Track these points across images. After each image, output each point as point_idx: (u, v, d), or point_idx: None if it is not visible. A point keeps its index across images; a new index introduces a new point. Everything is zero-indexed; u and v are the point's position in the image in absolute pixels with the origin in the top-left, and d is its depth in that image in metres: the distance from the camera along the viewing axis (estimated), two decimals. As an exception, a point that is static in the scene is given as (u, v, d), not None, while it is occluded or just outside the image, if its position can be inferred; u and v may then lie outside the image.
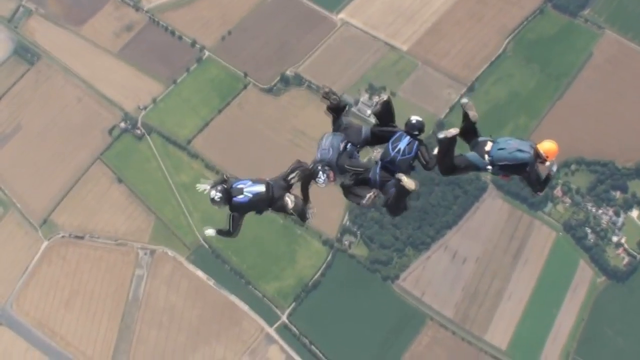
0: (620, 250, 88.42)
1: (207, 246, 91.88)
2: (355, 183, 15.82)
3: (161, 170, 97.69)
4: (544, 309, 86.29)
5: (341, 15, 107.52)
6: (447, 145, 15.21)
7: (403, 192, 15.25)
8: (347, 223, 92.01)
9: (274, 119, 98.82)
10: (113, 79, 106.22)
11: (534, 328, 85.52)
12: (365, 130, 16.26)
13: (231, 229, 15.48)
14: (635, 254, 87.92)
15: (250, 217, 15.63)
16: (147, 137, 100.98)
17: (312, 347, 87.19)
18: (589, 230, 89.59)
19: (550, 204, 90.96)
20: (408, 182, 15.04)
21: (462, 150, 15.71)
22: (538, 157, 15.14)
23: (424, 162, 15.49)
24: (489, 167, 15.55)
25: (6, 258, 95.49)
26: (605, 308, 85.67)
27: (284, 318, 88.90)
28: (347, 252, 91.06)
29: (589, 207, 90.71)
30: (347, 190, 15.98)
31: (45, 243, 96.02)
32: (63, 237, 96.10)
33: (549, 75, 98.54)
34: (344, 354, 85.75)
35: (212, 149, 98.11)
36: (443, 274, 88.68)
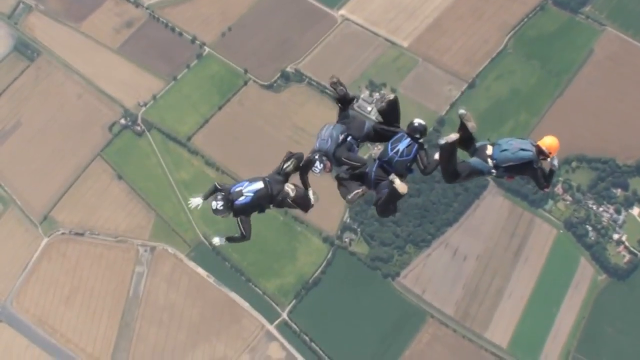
0: (621, 248, 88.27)
1: (207, 243, 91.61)
2: (350, 177, 15.86)
3: (161, 167, 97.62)
4: (544, 307, 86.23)
5: (342, 12, 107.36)
6: (449, 151, 15.18)
7: (394, 194, 15.24)
8: (348, 220, 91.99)
9: (274, 116, 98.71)
10: (113, 76, 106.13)
11: (534, 326, 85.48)
12: (368, 126, 16.29)
13: (244, 232, 15.45)
14: (636, 251, 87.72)
15: (251, 215, 15.61)
16: (147, 133, 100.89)
17: (313, 344, 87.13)
18: (589, 228, 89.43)
19: (551, 202, 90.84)
20: (400, 185, 15.07)
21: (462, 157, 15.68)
22: (541, 153, 15.22)
23: (422, 167, 15.55)
24: (493, 170, 15.56)
25: (6, 255, 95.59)
26: (606, 306, 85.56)
27: (285, 315, 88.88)
28: (347, 250, 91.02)
29: (590, 205, 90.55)
30: (340, 182, 15.99)
31: (45, 240, 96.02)
32: (63, 234, 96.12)
33: (550, 72, 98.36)
34: (345, 352, 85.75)
35: (212, 146, 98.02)
36: (444, 272, 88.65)
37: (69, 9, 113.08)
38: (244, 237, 15.52)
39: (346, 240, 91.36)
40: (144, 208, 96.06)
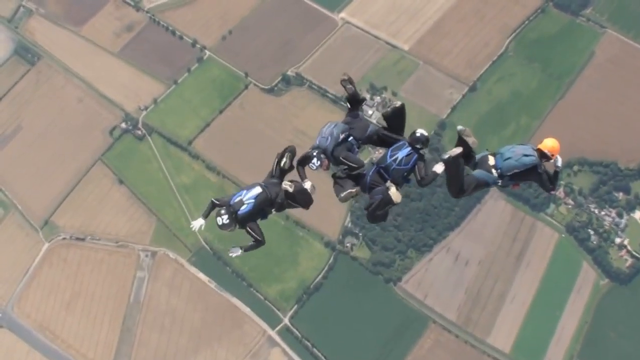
0: (623, 252, 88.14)
1: (208, 248, 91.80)
2: (347, 177, 15.87)
3: (162, 171, 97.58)
4: (547, 312, 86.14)
5: (342, 15, 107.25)
6: (454, 165, 15.19)
7: (387, 201, 15.26)
8: (349, 225, 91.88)
9: (275, 119, 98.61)
10: (114, 79, 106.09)
11: (537, 331, 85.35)
12: (372, 129, 16.27)
13: (258, 238, 15.40)
14: (638, 255, 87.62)
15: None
16: (148, 137, 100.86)
17: (314, 349, 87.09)
18: (591, 232, 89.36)
19: (552, 206, 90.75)
20: (395, 193, 15.15)
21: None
22: (543, 156, 15.28)
23: (419, 178, 15.44)
24: (499, 180, 15.55)
25: (7, 260, 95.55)
26: (609, 310, 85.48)
27: (286, 321, 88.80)
28: (349, 254, 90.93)
29: (592, 209, 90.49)
30: (336, 181, 16.01)
31: (46, 245, 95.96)
32: (64, 238, 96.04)
33: (551, 75, 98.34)
34: (346, 357, 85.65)
35: (213, 150, 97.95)
36: (445, 277, 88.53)
37: (70, 12, 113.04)
38: (260, 242, 15.54)
39: (348, 245, 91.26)
40: (145, 213, 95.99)
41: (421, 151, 15.50)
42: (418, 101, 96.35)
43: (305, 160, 15.98)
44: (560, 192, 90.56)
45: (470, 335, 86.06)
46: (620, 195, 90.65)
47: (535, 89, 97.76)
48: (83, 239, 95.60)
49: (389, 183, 15.37)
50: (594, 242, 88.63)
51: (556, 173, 15.49)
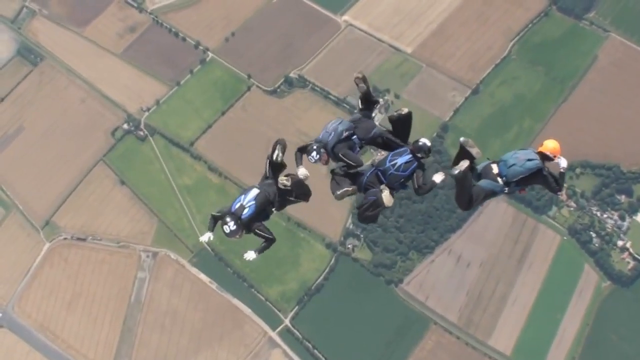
0: (626, 254, 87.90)
1: (209, 249, 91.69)
2: (344, 174, 15.93)
3: (164, 172, 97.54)
4: (548, 314, 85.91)
5: (345, 17, 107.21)
6: (463, 179, 15.15)
7: (378, 203, 15.28)
8: (351, 226, 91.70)
9: (278, 121, 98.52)
10: (116, 80, 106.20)
11: (538, 333, 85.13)
12: (376, 131, 16.35)
13: (269, 236, 15.48)
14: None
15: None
16: (150, 138, 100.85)
17: (315, 351, 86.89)
18: (593, 235, 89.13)
19: (554, 208, 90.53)
20: (386, 197, 15.19)
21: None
22: (546, 158, 15.29)
23: (416, 186, 15.48)
24: (506, 188, 15.56)
25: (8, 260, 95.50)
26: (610, 313, 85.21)
27: (287, 322, 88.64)
28: (350, 256, 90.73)
29: (594, 211, 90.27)
30: (333, 177, 16.05)
31: (47, 245, 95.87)
32: (65, 239, 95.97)
33: (554, 78, 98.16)
34: (347, 358, 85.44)
35: (215, 151, 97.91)
36: (447, 278, 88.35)
37: (73, 13, 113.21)
38: (272, 240, 15.55)
39: (349, 246, 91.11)
40: (147, 213, 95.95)
41: (421, 160, 15.53)
42: (421, 104, 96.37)
43: (306, 149, 16.10)
44: (562, 195, 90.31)
45: (471, 337, 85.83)
46: (623, 198, 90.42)
47: (538, 92, 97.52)
48: (84, 239, 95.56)
49: (382, 186, 15.39)
50: (596, 245, 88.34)
51: (562, 174, 15.51)
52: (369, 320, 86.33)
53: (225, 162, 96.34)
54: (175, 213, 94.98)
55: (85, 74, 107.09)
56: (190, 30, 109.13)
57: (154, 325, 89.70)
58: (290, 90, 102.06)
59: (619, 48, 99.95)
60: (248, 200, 15.22)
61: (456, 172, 14.92)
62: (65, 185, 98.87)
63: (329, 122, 16.25)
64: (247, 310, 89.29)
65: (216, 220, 15.60)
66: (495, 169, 15.63)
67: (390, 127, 16.62)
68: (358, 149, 16.23)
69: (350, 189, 15.66)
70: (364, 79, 16.86)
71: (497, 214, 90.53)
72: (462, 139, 15.66)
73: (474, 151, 15.28)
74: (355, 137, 16.13)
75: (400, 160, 15.44)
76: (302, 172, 16.01)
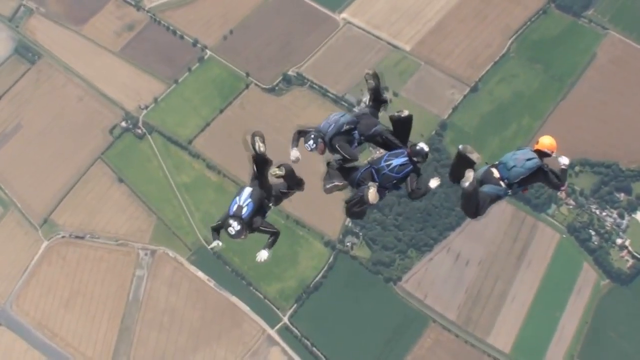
0: (624, 252, 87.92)
1: (208, 247, 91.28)
2: (339, 168, 15.97)
3: (162, 170, 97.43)
4: (547, 312, 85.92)
5: (344, 15, 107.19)
6: (473, 190, 15.10)
7: (364, 200, 15.24)
8: (349, 224, 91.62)
9: (276, 119, 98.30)
10: (114, 78, 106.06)
11: (537, 331, 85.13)
12: (377, 129, 16.32)
13: (274, 230, 15.58)
14: (639, 256, 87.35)
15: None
16: (148, 136, 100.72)
17: (314, 349, 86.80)
18: (592, 233, 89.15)
19: (554, 206, 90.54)
20: (372, 194, 15.09)
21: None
22: (544, 155, 15.34)
23: (409, 190, 15.46)
24: (509, 190, 15.66)
25: (6, 258, 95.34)
26: (609, 311, 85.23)
27: (286, 320, 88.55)
28: (349, 254, 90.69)
29: (593, 209, 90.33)
30: (328, 170, 16.13)
31: (46, 243, 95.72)
32: (63, 237, 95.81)
33: (553, 76, 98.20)
34: (346, 357, 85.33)
35: (213, 149, 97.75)
36: (446, 276, 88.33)
37: (70, 12, 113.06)
38: (277, 233, 15.62)
39: (348, 244, 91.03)
40: (145, 211, 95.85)
41: (418, 164, 15.46)
42: (419, 101, 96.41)
43: (305, 134, 16.15)
44: (561, 193, 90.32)
45: (470, 335, 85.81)
46: (622, 196, 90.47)
47: (536, 90, 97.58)
48: (82, 237, 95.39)
49: (371, 183, 15.30)
50: (595, 243, 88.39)
51: (563, 171, 15.51)
52: (367, 318, 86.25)
53: (224, 160, 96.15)
54: (174, 211, 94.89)
55: (83, 72, 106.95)
56: (188, 28, 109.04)
57: (152, 323, 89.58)
58: (288, 88, 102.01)
59: (618, 46, 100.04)
60: (244, 200, 15.23)
61: (466, 184, 14.85)
62: (63, 183, 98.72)
63: (332, 114, 16.25)
64: (245, 308, 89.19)
65: (217, 230, 15.65)
66: (496, 173, 15.60)
67: (391, 126, 16.54)
68: (356, 144, 16.22)
69: (340, 183, 15.74)
70: (375, 76, 16.82)
71: (496, 212, 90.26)
72: (461, 146, 15.54)
73: (474, 157, 15.20)
74: (356, 132, 16.12)
75: (395, 162, 15.42)
76: (293, 154, 16.10)
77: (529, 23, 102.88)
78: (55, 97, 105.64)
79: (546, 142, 15.44)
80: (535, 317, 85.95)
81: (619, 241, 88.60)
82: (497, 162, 15.82)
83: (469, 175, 14.82)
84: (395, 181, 15.49)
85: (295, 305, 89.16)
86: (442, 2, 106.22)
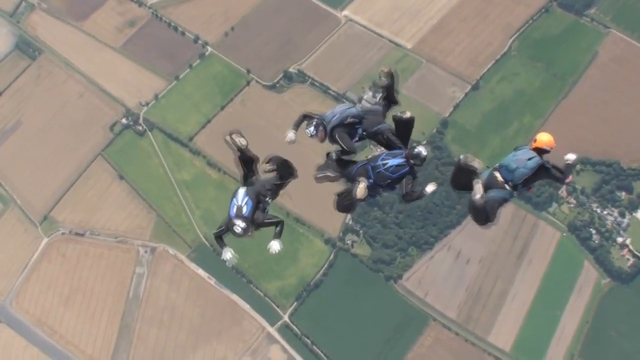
0: (625, 251, 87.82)
1: (208, 244, 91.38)
2: (337, 160, 16.12)
3: (163, 167, 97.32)
4: (548, 311, 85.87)
5: (345, 12, 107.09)
6: (484, 206, 15.32)
7: (353, 194, 15.41)
8: (350, 222, 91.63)
9: (277, 116, 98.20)
10: (115, 75, 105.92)
11: (538, 329, 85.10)
12: (381, 127, 16.35)
13: (276, 219, 15.56)
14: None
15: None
16: (149, 133, 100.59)
17: (314, 347, 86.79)
18: (593, 231, 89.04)
19: (554, 205, 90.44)
20: (360, 188, 15.26)
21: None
22: (543, 152, 15.48)
23: (403, 192, 15.57)
24: (514, 192, 15.69)
25: (6, 255, 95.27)
26: (610, 310, 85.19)
27: (286, 317, 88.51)
28: (349, 252, 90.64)
29: (594, 208, 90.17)
30: (325, 161, 16.30)
31: (45, 240, 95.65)
32: (63, 234, 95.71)
33: (554, 75, 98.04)
34: (346, 355, 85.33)
35: (214, 146, 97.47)
36: (446, 274, 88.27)
37: (72, 7, 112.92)
38: (282, 222, 15.68)
39: (348, 242, 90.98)
40: (145, 208, 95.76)
41: (415, 167, 15.50)
42: (421, 99, 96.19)
43: (309, 119, 16.25)
44: (562, 192, 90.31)
45: (470, 333, 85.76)
46: (623, 195, 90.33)
47: (538, 89, 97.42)
48: (82, 234, 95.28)
49: (362, 179, 15.40)
50: (596, 242, 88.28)
51: (568, 166, 15.55)
52: (368, 316, 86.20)
53: (224, 157, 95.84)
54: (174, 208, 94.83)
55: (83, 68, 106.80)
56: (190, 25, 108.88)
57: (152, 321, 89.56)
58: (289, 85, 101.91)
59: (620, 44, 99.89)
60: (242, 200, 15.23)
61: (477, 197, 15.06)
62: (64, 180, 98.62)
63: (340, 105, 16.33)
64: (245, 306, 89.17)
65: (221, 236, 15.67)
66: (499, 177, 15.61)
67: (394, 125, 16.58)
68: (357, 138, 16.23)
69: (332, 175, 15.94)
70: (390, 74, 16.65)
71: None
72: (461, 157, 15.67)
73: (476, 164, 15.33)
74: (359, 127, 16.13)
75: (392, 162, 15.44)
76: (290, 135, 16.27)
77: (530, 21, 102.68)
78: (56, 94, 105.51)
79: (544, 139, 15.63)
80: (536, 315, 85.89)
81: (619, 240, 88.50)
82: (497, 165, 15.85)
83: (478, 188, 14.94)
84: (389, 181, 15.53)
85: (295, 303, 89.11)
86: (444, 0, 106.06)
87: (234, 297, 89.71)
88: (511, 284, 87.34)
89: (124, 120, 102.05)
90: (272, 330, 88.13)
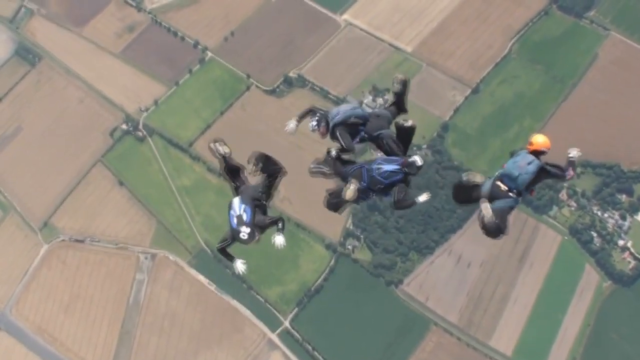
0: (626, 254, 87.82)
1: (208, 250, 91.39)
2: (337, 157, 16.00)
3: (162, 173, 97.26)
4: (549, 314, 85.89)
5: (345, 16, 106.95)
6: (497, 223, 15.05)
7: (340, 193, 15.51)
8: (351, 227, 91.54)
9: (277, 121, 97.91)
10: (115, 80, 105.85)
11: (539, 333, 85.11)
12: (383, 132, 16.33)
13: (278, 218, 15.53)
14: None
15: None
16: (149, 139, 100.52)
17: (315, 353, 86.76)
18: (594, 234, 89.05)
19: (555, 208, 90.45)
20: (348, 190, 15.27)
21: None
22: (540, 154, 15.40)
23: (395, 199, 15.50)
24: (520, 198, 15.50)
25: (5, 261, 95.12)
26: (611, 313, 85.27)
27: (287, 323, 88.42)
28: (350, 257, 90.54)
29: (595, 211, 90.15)
30: (325, 157, 16.22)
31: (45, 247, 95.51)
32: (63, 240, 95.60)
33: (554, 77, 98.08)
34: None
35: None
36: (447, 279, 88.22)
37: (71, 13, 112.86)
38: (282, 219, 15.60)
39: (349, 247, 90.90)
40: (145, 215, 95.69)
41: (408, 175, 15.46)
42: (421, 103, 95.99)
43: (314, 113, 16.23)
44: (563, 195, 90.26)
45: (472, 338, 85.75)
46: (624, 198, 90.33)
47: (538, 91, 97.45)
48: (82, 241, 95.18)
49: (353, 180, 15.38)
50: (597, 245, 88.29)
51: (571, 161, 15.46)
52: (369, 322, 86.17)
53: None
54: (174, 214, 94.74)
55: (83, 74, 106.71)
56: (189, 30, 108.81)
57: (152, 328, 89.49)
58: (289, 90, 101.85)
59: (619, 46, 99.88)
60: (239, 209, 15.22)
61: (488, 217, 14.88)
62: (64, 186, 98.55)
63: (348, 104, 16.38)
64: (246, 312, 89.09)
65: (225, 250, 15.76)
66: (502, 186, 15.43)
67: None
68: (358, 139, 16.25)
69: (326, 171, 15.99)
70: (403, 82, 16.69)
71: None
72: (464, 177, 15.81)
73: (478, 179, 15.48)
74: (362, 128, 16.15)
75: (386, 167, 15.42)
76: (290, 126, 16.27)
77: (530, 24, 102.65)
78: (55, 99, 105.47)
79: (540, 141, 15.51)
80: (537, 319, 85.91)
81: (620, 243, 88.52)
82: (499, 175, 15.67)
83: (485, 207, 14.96)
84: (381, 186, 15.50)
85: (296, 309, 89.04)
86: (444, 3, 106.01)
87: (235, 303, 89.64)
88: (512, 288, 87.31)
89: (123, 126, 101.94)
90: (273, 336, 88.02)
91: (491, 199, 15.33)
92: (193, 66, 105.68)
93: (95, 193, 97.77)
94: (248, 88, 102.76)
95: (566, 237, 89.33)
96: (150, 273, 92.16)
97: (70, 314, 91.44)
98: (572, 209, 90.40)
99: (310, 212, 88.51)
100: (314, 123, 15.97)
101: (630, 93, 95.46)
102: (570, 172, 15.22)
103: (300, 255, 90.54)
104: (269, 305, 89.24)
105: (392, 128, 16.44)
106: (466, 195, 15.74)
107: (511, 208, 15.32)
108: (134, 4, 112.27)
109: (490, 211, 14.79)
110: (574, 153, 15.28)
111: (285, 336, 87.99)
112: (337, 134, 15.76)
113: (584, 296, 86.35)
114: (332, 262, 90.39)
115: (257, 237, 15.04)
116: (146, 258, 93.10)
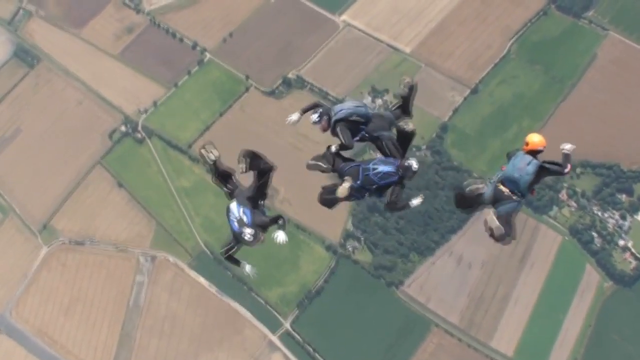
0: (627, 254, 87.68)
1: (208, 252, 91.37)
2: (336, 153, 16.16)
3: (162, 175, 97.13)
4: (550, 314, 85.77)
5: (344, 17, 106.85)
6: (506, 231, 15.40)
7: (334, 190, 15.65)
8: (351, 228, 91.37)
9: (276, 122, 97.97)
10: (113, 82, 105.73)
11: (540, 334, 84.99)
12: (383, 134, 16.39)
13: (278, 216, 15.68)
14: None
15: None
16: (148, 140, 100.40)
17: (316, 354, 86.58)
18: (595, 234, 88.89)
19: (555, 208, 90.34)
20: (342, 188, 15.45)
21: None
22: (537, 152, 15.60)
23: (388, 201, 15.63)
24: (522, 200, 15.60)
25: (5, 264, 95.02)
26: (613, 313, 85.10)
27: (287, 325, 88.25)
28: (350, 258, 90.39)
29: (595, 211, 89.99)
30: (324, 153, 16.35)
31: (45, 249, 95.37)
32: (63, 243, 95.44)
33: (553, 77, 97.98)
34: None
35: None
36: (448, 280, 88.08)
37: (69, 14, 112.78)
38: (282, 217, 15.74)
39: (349, 248, 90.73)
40: (145, 216, 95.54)
41: (403, 178, 15.49)
42: (419, 104, 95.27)
43: (314, 107, 16.60)
44: (563, 195, 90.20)
45: (473, 338, 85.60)
46: (624, 197, 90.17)
47: (537, 91, 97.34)
48: (82, 243, 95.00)
49: (347, 178, 15.51)
50: (598, 245, 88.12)
51: (566, 156, 15.51)
52: (369, 323, 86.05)
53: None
54: (174, 216, 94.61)
55: (82, 76, 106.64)
56: (188, 31, 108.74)
57: (152, 330, 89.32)
58: (288, 91, 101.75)
59: (618, 46, 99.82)
60: (239, 212, 15.40)
61: (496, 230, 15.18)
62: (63, 189, 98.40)
63: (352, 101, 16.43)
64: (246, 314, 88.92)
65: (232, 255, 15.91)
66: (505, 189, 15.56)
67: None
68: (358, 138, 16.27)
69: (324, 166, 16.09)
70: (411, 86, 16.75)
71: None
72: (467, 188, 16.11)
73: (481, 187, 15.75)
74: (363, 127, 16.15)
75: (381, 168, 15.46)
76: (293, 117, 16.78)
77: (529, 24, 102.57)
78: (54, 101, 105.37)
79: (535, 140, 15.68)
80: (538, 320, 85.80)
81: (621, 243, 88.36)
82: (500, 178, 15.80)
83: (492, 219, 15.25)
84: (376, 186, 15.54)
85: (296, 310, 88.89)
86: (443, 3, 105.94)
87: (235, 305, 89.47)
88: (513, 289, 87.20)
89: (122, 128, 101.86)
90: (273, 338, 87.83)
91: (494, 202, 15.54)
92: (192, 67, 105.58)
93: (94, 195, 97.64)
94: (247, 89, 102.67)
95: (566, 238, 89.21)
96: (150, 275, 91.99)
97: (71, 316, 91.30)
98: (572, 209, 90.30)
99: (310, 214, 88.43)
100: (316, 116, 16.22)
101: (630, 93, 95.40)
102: (568, 166, 15.25)
103: (300, 256, 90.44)
104: (269, 307, 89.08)
105: (394, 130, 16.40)
106: (469, 202, 15.99)
107: (516, 210, 15.47)
108: (132, 5, 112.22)
109: (497, 222, 15.05)
110: (567, 147, 15.37)
111: (286, 338, 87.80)
112: (338, 129, 15.85)
113: (585, 296, 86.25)
114: (333, 263, 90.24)
115: (261, 237, 15.10)
116: (146, 260, 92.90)
